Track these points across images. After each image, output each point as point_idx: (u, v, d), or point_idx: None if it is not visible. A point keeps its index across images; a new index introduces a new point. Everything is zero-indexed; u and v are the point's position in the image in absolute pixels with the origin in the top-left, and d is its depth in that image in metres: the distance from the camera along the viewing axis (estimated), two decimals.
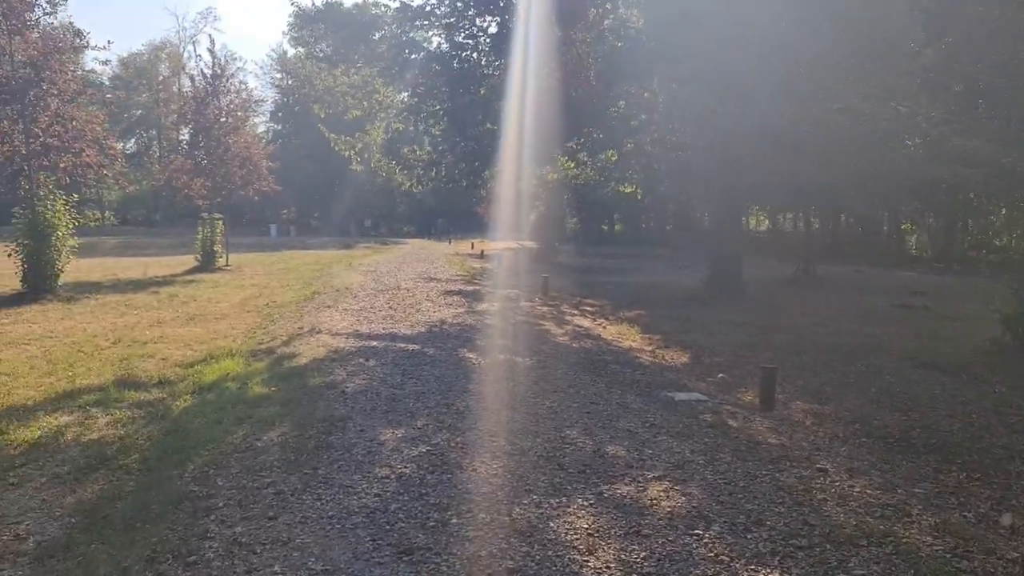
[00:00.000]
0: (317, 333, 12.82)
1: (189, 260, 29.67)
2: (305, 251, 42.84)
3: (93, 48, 19.40)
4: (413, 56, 16.36)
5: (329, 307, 16.12)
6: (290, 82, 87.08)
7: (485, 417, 7.70)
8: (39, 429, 7.46)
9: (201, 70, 30.55)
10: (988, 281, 26.05)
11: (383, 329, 13.19)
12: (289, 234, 72.11)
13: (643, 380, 9.94)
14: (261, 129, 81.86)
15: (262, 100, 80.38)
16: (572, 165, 16.86)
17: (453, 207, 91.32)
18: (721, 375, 10.87)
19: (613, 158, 16.70)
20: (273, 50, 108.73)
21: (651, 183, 16.87)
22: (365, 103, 17.53)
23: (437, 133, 16.52)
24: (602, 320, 15.82)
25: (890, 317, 16.67)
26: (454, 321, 14.24)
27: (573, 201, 26.59)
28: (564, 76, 15.96)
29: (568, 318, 15.71)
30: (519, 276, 26.05)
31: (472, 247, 48.07)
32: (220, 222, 29.11)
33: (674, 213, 52.90)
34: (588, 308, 17.68)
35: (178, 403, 8.48)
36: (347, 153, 17.95)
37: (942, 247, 38.33)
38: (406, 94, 16.98)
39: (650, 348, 12.77)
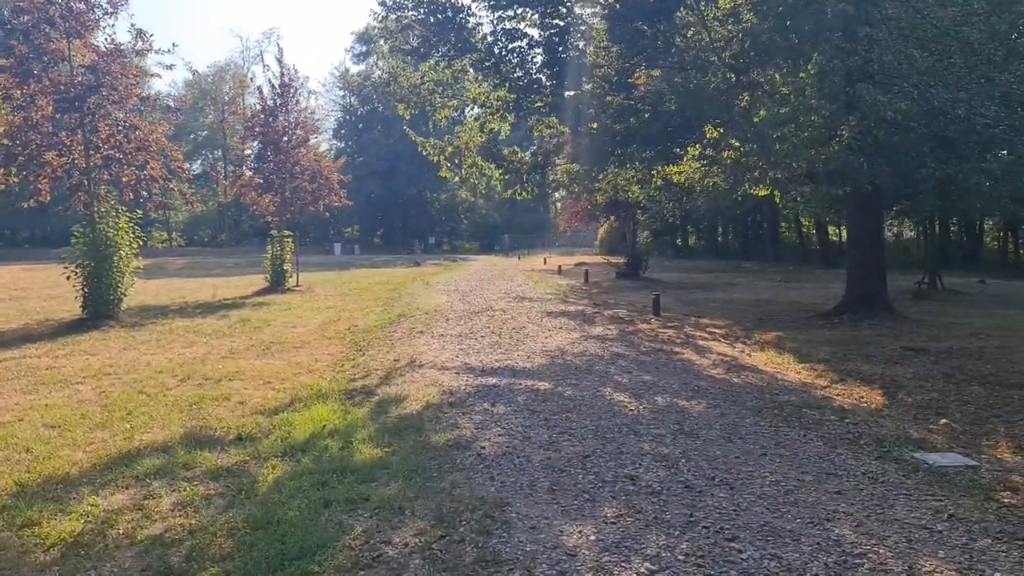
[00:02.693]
0: (419, 367, 10.70)
1: (258, 280, 28.12)
2: (374, 269, 41.21)
3: (157, 52, 17.74)
4: (513, 45, 14.23)
5: (422, 333, 14.03)
6: (352, 100, 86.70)
7: (695, 501, 5.40)
8: (81, 517, 5.41)
9: (269, 80, 29.10)
10: None
11: (496, 361, 11.01)
12: (353, 252, 70.96)
13: (857, 432, 7.52)
14: (324, 147, 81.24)
15: (324, 119, 79.76)
16: (698, 167, 14.60)
17: (518, 222, 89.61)
18: (944, 420, 8.37)
19: (746, 156, 14.26)
20: (336, 67, 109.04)
21: (783, 186, 14.30)
22: (455, 100, 15.42)
23: (544, 132, 14.33)
24: (741, 346, 13.39)
25: None
26: (575, 350, 12.00)
27: (659, 212, 24.16)
28: (685, 63, 13.64)
29: (702, 343, 13.32)
30: (614, 294, 23.70)
31: (544, 263, 45.85)
32: (290, 240, 27.47)
33: (760, 224, 49.87)
34: (714, 330, 15.25)
35: (265, 472, 6.37)
36: (436, 159, 15.92)
37: None
38: (503, 90, 14.84)
39: (824, 383, 10.32)
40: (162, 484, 6.10)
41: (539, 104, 14.64)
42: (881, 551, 4.54)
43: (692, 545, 4.63)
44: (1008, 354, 12.47)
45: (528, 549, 4.61)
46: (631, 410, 8.12)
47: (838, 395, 9.44)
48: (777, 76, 14.72)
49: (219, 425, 7.98)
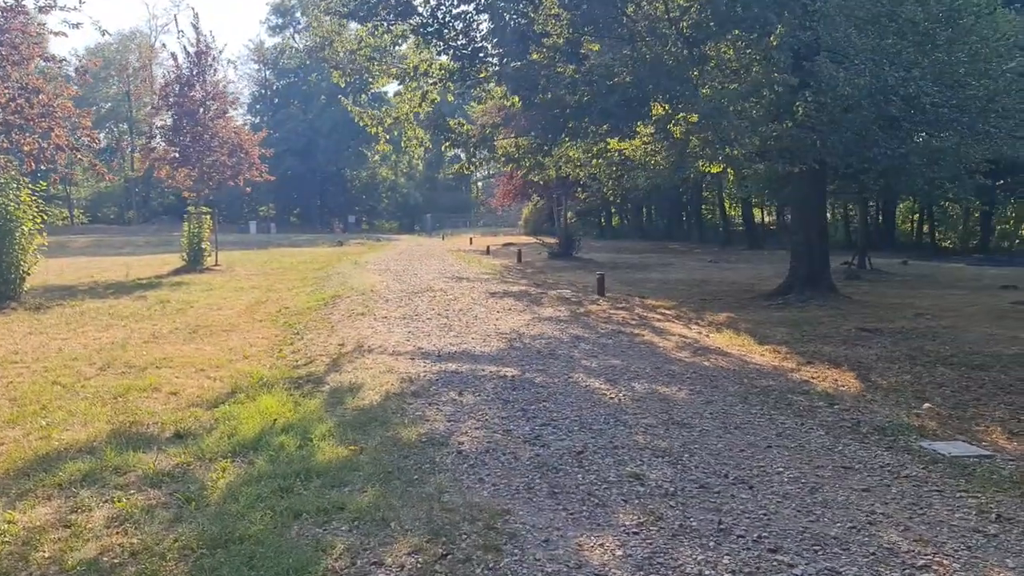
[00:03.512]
0: (368, 352, 9.88)
1: (173, 259, 26.52)
2: (295, 248, 39.75)
3: (62, 9, 16.16)
4: (458, 10, 13.37)
5: (363, 314, 13.16)
6: (268, 74, 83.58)
7: (718, 504, 4.84)
8: None
9: (184, 47, 27.38)
10: None
11: (451, 345, 10.28)
12: (269, 231, 68.65)
13: (852, 419, 7.10)
14: (238, 123, 78.24)
15: (238, 93, 76.57)
16: (639, 144, 14.06)
17: (439, 202, 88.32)
18: (927, 405, 8.07)
19: (697, 133, 13.79)
20: (251, 39, 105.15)
21: (737, 163, 13.88)
22: (394, 69, 14.46)
23: (489, 104, 13.49)
24: (697, 327, 13.00)
25: None
26: (531, 332, 11.36)
27: (599, 190, 23.63)
28: (635, 34, 13.06)
29: (658, 325, 12.86)
30: (551, 274, 23.17)
31: (470, 243, 45.08)
32: (208, 217, 25.96)
33: (685, 206, 50.19)
34: (665, 311, 14.84)
35: (214, 476, 5.52)
36: (373, 130, 14.96)
37: (981, 236, 35.97)
38: (445, 57, 13.99)
39: (792, 366, 9.96)
40: (91, 493, 5.19)
41: (484, 74, 13.83)
42: (945, 562, 4.04)
43: (735, 560, 4.04)
44: (959, 334, 12.40)
45: (549, 570, 3.94)
46: (611, 398, 7.53)
47: (813, 378, 9.07)
48: (727, 50, 14.31)
49: (151, 420, 7.03)
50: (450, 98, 15.21)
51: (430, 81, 14.33)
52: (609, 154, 14.85)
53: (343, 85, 15.42)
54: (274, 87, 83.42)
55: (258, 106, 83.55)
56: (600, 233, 54.49)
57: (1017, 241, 37.61)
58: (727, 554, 4.11)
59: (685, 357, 9.87)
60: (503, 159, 14.73)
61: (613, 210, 60.13)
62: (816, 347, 11.36)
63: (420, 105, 14.50)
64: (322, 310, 14.35)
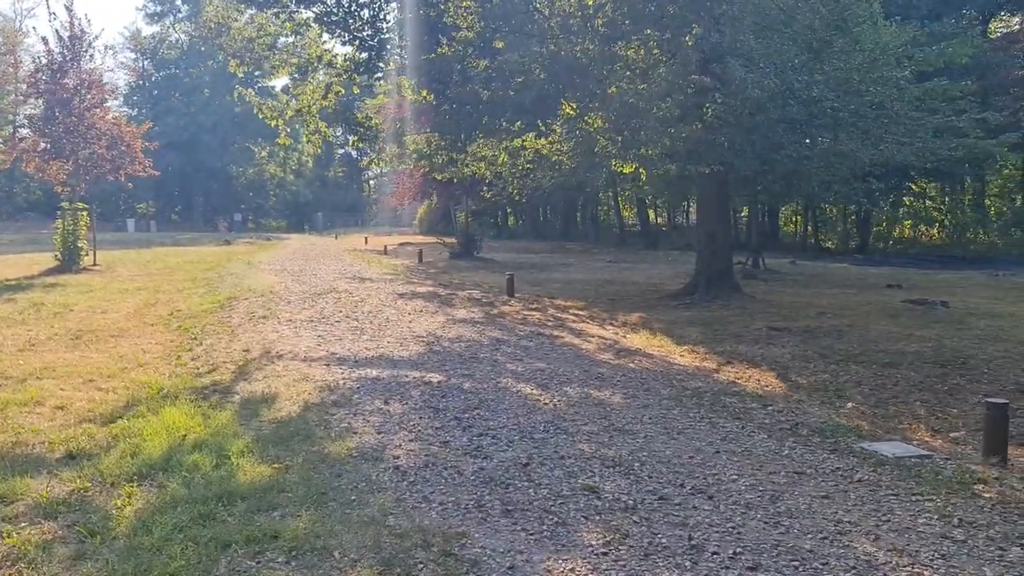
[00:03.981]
0: (278, 358, 9.25)
1: (44, 259, 24.66)
2: (179, 247, 37.81)
3: None
4: None
5: (265, 318, 12.43)
6: (146, 64, 79.50)
7: (682, 517, 4.59)
8: None
9: (56, 31, 25.46)
10: (927, 271, 24.98)
11: (366, 350, 9.75)
12: (149, 229, 65.38)
13: (789, 420, 7.03)
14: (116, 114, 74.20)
15: (113, 83, 72.54)
16: (545, 143, 13.81)
17: (329, 200, 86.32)
18: (850, 404, 8.14)
19: (605, 133, 13.71)
20: (125, 27, 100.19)
21: (650, 163, 13.84)
22: (296, 59, 13.75)
23: (396, 98, 12.95)
24: (612, 328, 12.88)
25: (925, 318, 14.53)
26: (448, 335, 10.94)
27: (503, 189, 23.34)
28: (554, 27, 12.84)
29: (574, 326, 12.67)
30: (455, 274, 22.76)
31: (366, 242, 44.09)
32: (85, 214, 24.23)
33: (582, 206, 50.64)
34: (577, 312, 14.68)
35: (119, 503, 4.89)
36: (273, 122, 14.19)
37: (860, 238, 37.71)
38: (353, 48, 13.38)
39: (713, 366, 9.93)
40: None
41: (392, 67, 13.31)
42: (925, 573, 3.90)
43: None
44: (862, 332, 12.72)
45: None
46: (546, 403, 7.22)
47: (738, 379, 9.03)
48: (637, 49, 14.28)
49: (37, 439, 6.27)
50: (356, 90, 14.60)
51: (333, 73, 13.69)
52: (525, 152, 14.57)
53: (240, 75, 14.58)
54: (153, 78, 79.48)
55: (135, 98, 79.41)
56: (496, 233, 54.34)
57: (891, 242, 39.63)
58: (706, 574, 3.84)
59: (610, 359, 9.68)
60: (415, 155, 14.23)
61: (509, 210, 60.16)
62: (731, 346, 11.40)
63: (326, 97, 13.84)
64: (219, 313, 13.50)
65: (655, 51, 13.92)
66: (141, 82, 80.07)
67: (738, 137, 13.78)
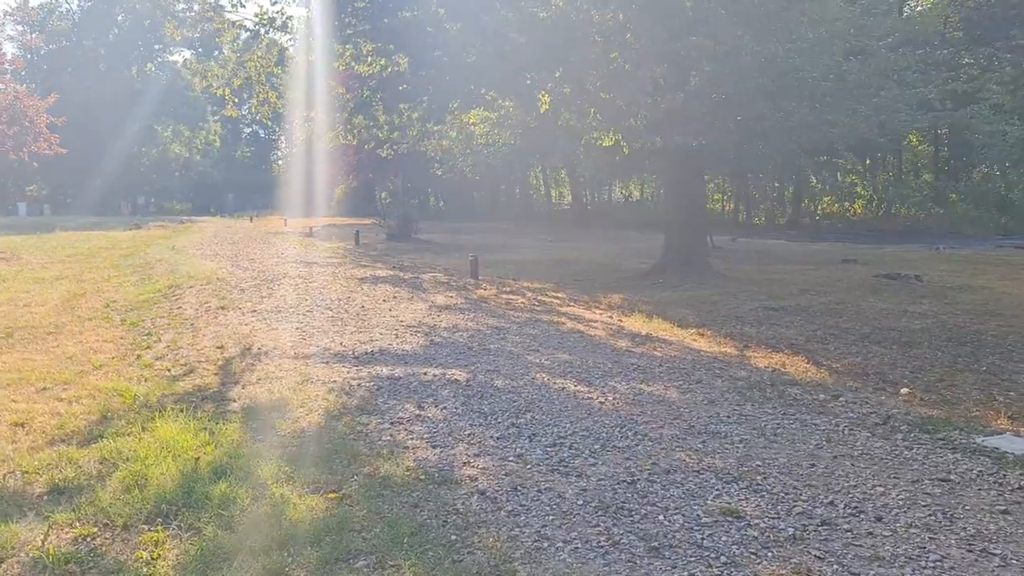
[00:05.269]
0: (263, 356, 8.09)
1: None
2: (85, 232, 35.13)
3: None
4: None
5: (224, 308, 11.13)
6: (34, 36, 74.23)
7: (862, 549, 3.81)
8: None
9: None
10: (870, 245, 25.19)
11: (360, 344, 8.66)
12: (42, 213, 61.32)
13: (869, 412, 6.36)
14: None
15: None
16: (488, 114, 12.92)
17: (238, 181, 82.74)
18: (905, 390, 7.57)
19: (572, 108, 12.90)
20: None
21: (632, 134, 13.01)
22: (248, 21, 12.32)
23: (373, 63, 11.66)
24: (602, 311, 12.12)
25: (908, 293, 14.28)
26: (442, 324, 9.94)
27: (452, 165, 22.22)
28: None
29: (565, 310, 11.83)
30: (400, 256, 21.58)
31: (285, 224, 42.16)
32: None
33: (513, 184, 49.75)
34: (555, 294, 13.84)
35: (145, 557, 3.81)
36: (219, 91, 12.76)
37: (791, 214, 38.12)
38: (306, 9, 12.12)
39: (734, 351, 9.25)
40: None
41: (357, 29, 12.01)
42: None
43: None
44: (856, 309, 12.35)
45: None
46: (601, 402, 6.35)
47: (774, 365, 8.37)
48: (609, 18, 13.43)
49: (5, 468, 5.05)
50: (311, 57, 13.27)
51: (287, 37, 12.38)
52: (511, 121, 13.60)
53: (178, 39, 13.08)
54: (43, 52, 74.29)
55: (23, 72, 74.01)
56: (421, 214, 53.01)
57: (818, 218, 40.25)
58: None
59: (630, 347, 8.87)
60: (386, 127, 13.03)
61: (430, 190, 58.81)
62: (737, 328, 10.80)
63: (281, 63, 12.49)
64: (164, 304, 12.10)
65: (627, 23, 13.08)
66: (30, 56, 74.71)
67: (720, 108, 13.14)
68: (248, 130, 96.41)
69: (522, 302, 12.36)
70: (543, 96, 11.60)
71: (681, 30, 12.97)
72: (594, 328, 10.07)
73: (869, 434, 5.63)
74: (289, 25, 12.53)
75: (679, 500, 4.35)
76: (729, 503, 4.30)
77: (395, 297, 12.15)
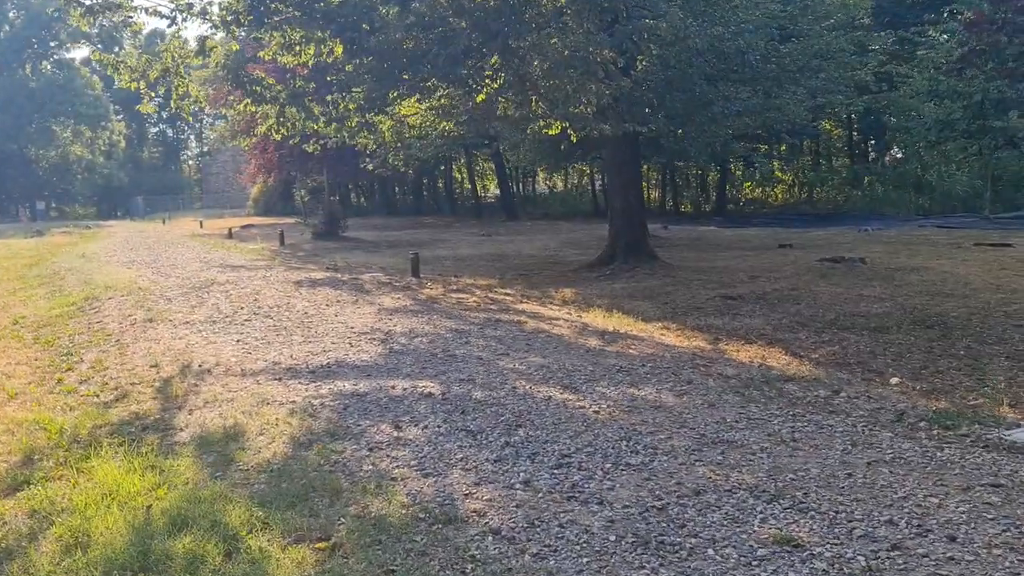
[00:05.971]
0: (207, 374, 7.27)
1: None
2: None
3: None
4: None
5: (151, 321, 10.18)
6: None
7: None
8: None
9: None
10: (798, 230, 25.42)
11: (311, 355, 7.90)
12: None
13: (877, 408, 6.01)
14: None
15: None
16: (425, 107, 12.25)
17: (145, 183, 79.33)
18: (895, 380, 7.28)
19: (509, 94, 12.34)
20: None
21: (579, 121, 12.44)
22: (164, 7, 11.29)
23: (301, 51, 10.73)
24: (557, 307, 11.61)
25: (856, 276, 14.20)
26: (396, 329, 9.24)
27: (384, 160, 21.35)
28: None
29: (521, 307, 11.26)
30: (336, 256, 20.63)
31: (201, 226, 40.42)
32: None
33: (436, 179, 48.83)
34: (504, 292, 13.26)
35: None
36: (133, 85, 11.70)
37: (716, 200, 38.37)
38: None
39: (706, 345, 8.85)
40: None
41: (292, 10, 11.01)
42: None
43: None
44: (812, 295, 12.16)
45: None
46: (594, 411, 5.80)
47: (756, 359, 7.98)
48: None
49: None
50: (234, 46, 12.30)
51: (207, 24, 11.39)
52: (455, 111, 12.92)
53: (85, 28, 11.93)
54: None
55: None
56: (344, 211, 51.63)
57: (742, 204, 40.68)
58: None
59: (601, 346, 8.36)
60: (323, 119, 12.13)
61: (350, 186, 57.32)
62: (701, 320, 10.44)
63: (201, 55, 11.48)
64: (81, 318, 11.06)
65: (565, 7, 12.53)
66: None
67: (666, 93, 12.76)
68: (155, 129, 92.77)
69: (474, 301, 11.74)
70: (484, 84, 10.98)
71: (625, 13, 12.55)
72: (558, 326, 9.53)
73: (891, 434, 5.24)
74: (209, 11, 11.56)
75: (723, 528, 3.83)
76: (779, 528, 3.80)
77: (338, 301, 11.37)
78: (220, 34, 11.97)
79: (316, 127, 12.37)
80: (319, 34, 10.68)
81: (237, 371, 7.29)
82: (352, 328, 9.21)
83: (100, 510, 4.27)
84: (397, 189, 51.91)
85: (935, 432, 5.28)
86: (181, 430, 5.70)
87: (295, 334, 8.96)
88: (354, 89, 11.54)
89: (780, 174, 40.63)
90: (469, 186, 46.95)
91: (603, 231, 26.24)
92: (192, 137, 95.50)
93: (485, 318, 9.98)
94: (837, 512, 3.97)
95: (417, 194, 49.91)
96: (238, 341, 8.65)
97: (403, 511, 4.13)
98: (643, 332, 9.42)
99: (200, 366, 7.55)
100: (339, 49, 10.37)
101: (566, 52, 11.37)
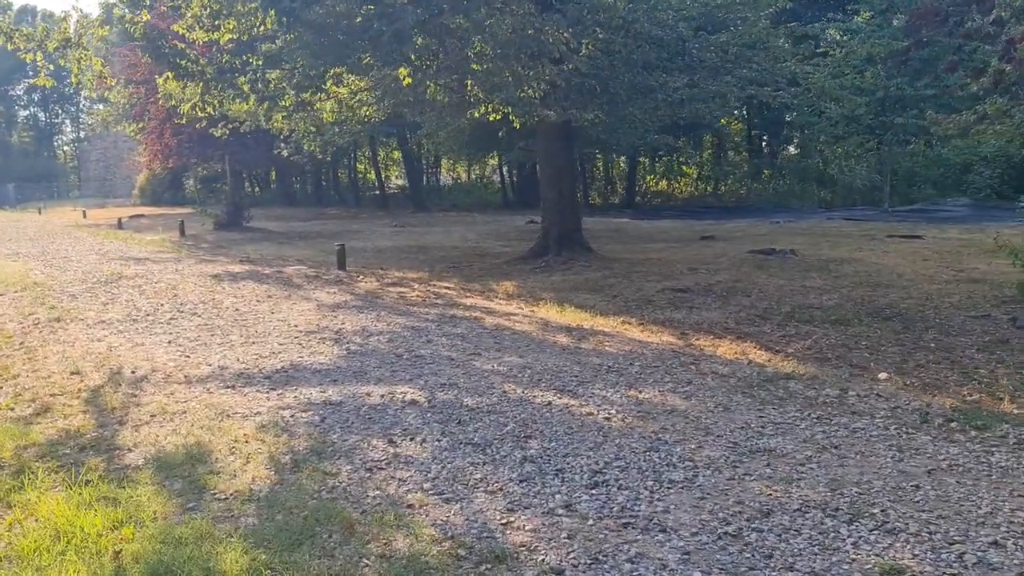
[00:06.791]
0: (144, 382, 6.36)
1: None
2: None
3: None
4: None
5: (59, 320, 9.04)
6: None
7: None
8: None
9: None
10: (712, 222, 25.71)
11: (264, 359, 7.07)
12: None
13: (895, 407, 5.71)
14: None
15: None
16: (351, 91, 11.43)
17: (13, 170, 73.94)
18: (883, 375, 7.05)
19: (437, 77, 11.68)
20: None
21: (522, 106, 11.84)
22: None
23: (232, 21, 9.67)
24: (507, 301, 11.03)
25: (793, 268, 14.19)
26: (346, 327, 8.47)
27: (299, 147, 20.14)
28: None
29: (468, 302, 10.61)
30: (246, 247, 19.39)
31: (85, 216, 37.84)
32: None
33: (338, 170, 47.25)
34: (444, 285, 12.57)
35: None
36: (29, 57, 10.40)
37: (625, 193, 38.54)
38: None
39: (675, 340, 8.46)
40: None
41: None
42: None
43: None
44: (759, 288, 11.99)
45: None
46: (607, 419, 5.27)
47: (736, 355, 7.63)
48: None
49: None
50: (145, 15, 11.13)
51: None
52: (386, 95, 12.10)
53: None
54: None
55: None
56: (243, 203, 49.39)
57: (648, 196, 41.06)
58: None
59: (573, 343, 7.85)
60: (256, 99, 11.08)
61: (244, 175, 54.94)
62: (659, 314, 10.06)
63: (106, 24, 10.32)
64: None
65: None
66: None
67: (609, 80, 12.36)
68: (25, 112, 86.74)
69: (416, 295, 11.03)
70: (426, 65, 10.28)
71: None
72: (518, 323, 8.97)
73: (929, 437, 4.92)
74: None
75: (816, 557, 3.36)
76: (879, 555, 3.36)
77: (269, 296, 10.46)
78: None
79: (245, 107, 11.37)
80: (247, 6, 9.73)
81: (180, 378, 6.40)
82: (296, 326, 8.38)
83: (54, 559, 3.45)
84: (296, 179, 50.04)
85: (973, 435, 4.99)
86: (130, 450, 4.85)
87: (232, 334, 8.06)
88: (286, 65, 10.59)
89: (685, 168, 41.21)
90: (373, 176, 45.64)
91: (517, 222, 25.92)
92: (67, 121, 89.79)
93: (438, 314, 9.32)
94: (931, 533, 3.57)
95: (317, 184, 48.25)
96: (169, 343, 7.70)
97: (437, 548, 3.49)
98: (608, 328, 8.96)
99: (133, 372, 6.61)
100: (270, 21, 9.44)
101: (511, 32, 10.79)
